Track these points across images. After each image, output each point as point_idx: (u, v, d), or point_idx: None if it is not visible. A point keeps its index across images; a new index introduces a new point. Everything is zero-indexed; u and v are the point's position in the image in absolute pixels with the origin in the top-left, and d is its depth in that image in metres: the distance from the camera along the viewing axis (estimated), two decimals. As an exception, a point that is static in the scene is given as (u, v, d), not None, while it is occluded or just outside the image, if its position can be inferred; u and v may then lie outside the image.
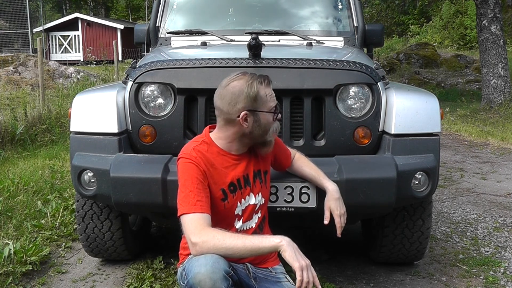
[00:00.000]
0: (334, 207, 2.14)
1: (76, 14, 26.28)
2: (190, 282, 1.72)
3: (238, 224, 2.02)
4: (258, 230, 2.09)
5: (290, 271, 2.59)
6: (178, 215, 1.85)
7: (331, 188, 2.16)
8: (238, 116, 1.90)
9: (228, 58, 2.45)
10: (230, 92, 1.91)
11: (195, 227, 1.78)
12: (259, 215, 2.09)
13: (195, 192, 1.84)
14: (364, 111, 2.48)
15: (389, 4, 13.59)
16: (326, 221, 2.16)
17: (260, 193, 2.07)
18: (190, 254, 1.97)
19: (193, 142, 1.99)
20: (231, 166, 1.98)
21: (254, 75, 1.94)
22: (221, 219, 1.92)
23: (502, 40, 9.58)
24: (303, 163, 2.27)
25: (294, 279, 2.56)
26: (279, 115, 2.02)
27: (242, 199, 2.01)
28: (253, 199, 2.04)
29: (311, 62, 2.47)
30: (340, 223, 2.13)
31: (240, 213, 2.01)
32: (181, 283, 1.92)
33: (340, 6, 3.54)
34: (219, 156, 1.96)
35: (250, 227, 2.06)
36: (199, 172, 1.88)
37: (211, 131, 2.03)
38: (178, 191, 1.89)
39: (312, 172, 2.23)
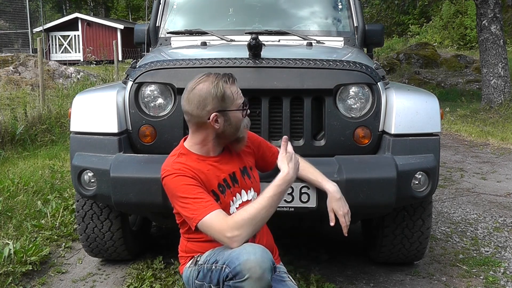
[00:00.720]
0: (337, 207, 2.13)
1: (76, 14, 26.27)
2: (237, 269, 1.70)
3: None
4: None
5: (290, 271, 2.60)
6: (194, 225, 1.83)
7: (332, 189, 2.16)
8: (209, 118, 1.90)
9: (228, 58, 2.45)
10: (197, 95, 1.90)
11: (222, 223, 1.78)
12: None
13: (200, 196, 1.83)
14: (364, 111, 2.48)
15: (389, 5, 13.57)
16: (332, 223, 2.15)
17: (252, 189, 2.08)
18: (198, 253, 1.96)
19: (170, 158, 2.00)
20: (214, 168, 1.98)
21: (219, 75, 1.94)
22: None
23: (502, 40, 9.58)
24: (300, 166, 2.27)
25: (294, 279, 2.57)
26: (248, 111, 2.02)
27: (234, 197, 2.01)
28: (246, 196, 2.05)
29: (311, 62, 2.47)
30: (345, 222, 2.13)
31: (235, 212, 2.01)
32: (197, 281, 1.90)
33: (340, 6, 3.53)
34: (200, 162, 1.96)
35: None
36: (191, 180, 1.88)
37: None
38: (180, 205, 1.86)
39: (309, 176, 2.22)
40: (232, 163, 2.04)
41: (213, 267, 1.82)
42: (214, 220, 1.79)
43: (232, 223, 1.77)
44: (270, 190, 1.85)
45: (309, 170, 2.23)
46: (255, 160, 2.20)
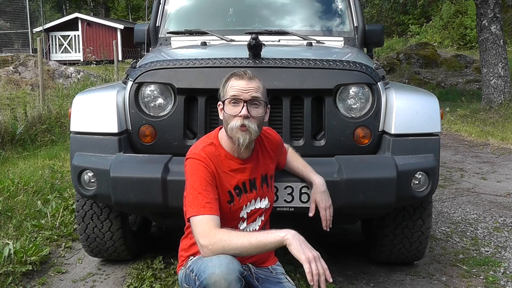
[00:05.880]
0: (320, 200, 2.15)
1: (76, 14, 26.24)
2: (204, 283, 1.71)
3: (242, 226, 2.03)
4: None
5: (290, 271, 2.60)
6: (187, 217, 1.86)
7: (318, 181, 2.17)
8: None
9: (228, 58, 2.45)
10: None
11: (204, 229, 1.78)
12: (263, 218, 2.10)
13: (204, 194, 1.84)
14: (364, 111, 2.49)
15: (392, 5, 13.57)
16: (311, 214, 2.19)
17: (267, 198, 2.08)
18: (192, 255, 1.97)
19: (202, 142, 2.00)
20: (237, 169, 1.98)
21: (244, 71, 1.96)
22: (226, 221, 1.92)
23: (502, 40, 9.58)
24: (292, 158, 2.28)
25: (294, 279, 2.57)
26: (243, 111, 1.88)
27: (248, 202, 2.01)
28: (259, 204, 2.05)
29: (311, 62, 2.47)
30: (325, 216, 2.15)
31: (245, 216, 2.02)
32: (185, 285, 1.91)
33: (340, 6, 3.54)
34: (226, 159, 1.96)
35: (254, 229, 2.07)
36: (208, 174, 1.88)
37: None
38: (186, 192, 1.89)
39: (300, 167, 2.25)
40: (256, 169, 2.04)
41: (191, 275, 1.84)
42: (202, 223, 1.79)
43: (213, 235, 1.75)
44: (267, 236, 1.75)
45: (300, 162, 2.26)
46: (275, 165, 2.20)
